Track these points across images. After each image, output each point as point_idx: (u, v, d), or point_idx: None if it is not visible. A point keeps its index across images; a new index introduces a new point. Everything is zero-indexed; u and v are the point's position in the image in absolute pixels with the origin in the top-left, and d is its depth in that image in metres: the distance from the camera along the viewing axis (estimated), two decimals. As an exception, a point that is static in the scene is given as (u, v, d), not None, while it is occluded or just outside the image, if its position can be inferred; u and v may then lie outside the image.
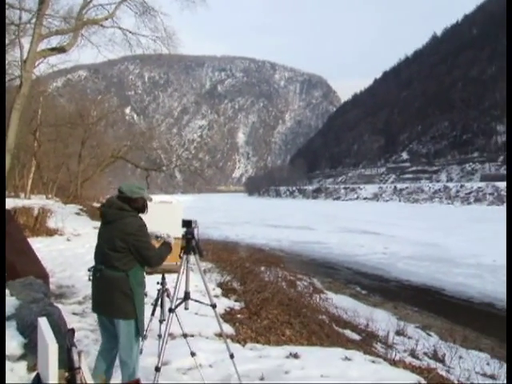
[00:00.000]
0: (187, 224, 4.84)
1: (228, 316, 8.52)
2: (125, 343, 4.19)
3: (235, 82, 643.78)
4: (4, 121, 18.27)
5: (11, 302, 6.24)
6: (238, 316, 8.66)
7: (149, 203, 4.50)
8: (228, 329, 7.45)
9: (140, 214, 4.40)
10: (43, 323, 2.59)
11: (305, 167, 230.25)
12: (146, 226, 4.28)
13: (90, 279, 4.31)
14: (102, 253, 4.22)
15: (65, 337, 2.97)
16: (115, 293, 4.13)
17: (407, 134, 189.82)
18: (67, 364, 2.59)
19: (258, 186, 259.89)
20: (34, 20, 22.89)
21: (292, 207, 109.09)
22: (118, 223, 4.18)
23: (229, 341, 5.65)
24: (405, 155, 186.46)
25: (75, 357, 2.54)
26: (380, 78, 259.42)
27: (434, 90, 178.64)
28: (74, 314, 7.40)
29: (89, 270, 4.29)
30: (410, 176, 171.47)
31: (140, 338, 4.39)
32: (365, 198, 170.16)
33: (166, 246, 4.50)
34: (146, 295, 4.46)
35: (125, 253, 4.12)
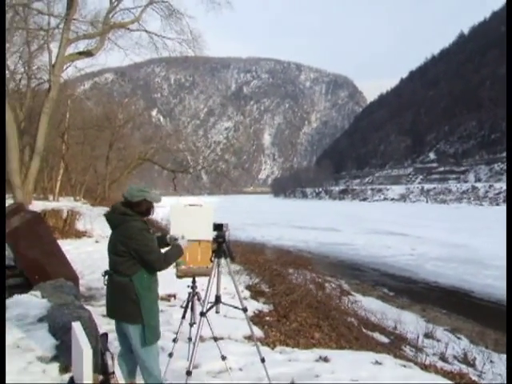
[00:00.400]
0: (218, 227, 4.82)
1: (257, 318, 8.50)
2: (137, 347, 4.16)
3: (261, 83, 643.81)
4: (4, 121, 18.44)
5: (43, 304, 6.30)
6: (267, 319, 8.64)
7: (179, 207, 4.48)
8: (257, 331, 7.43)
9: (151, 216, 4.45)
10: (77, 327, 2.61)
11: (331, 168, 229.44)
12: (147, 229, 4.25)
13: (105, 284, 4.35)
14: (110, 258, 4.27)
15: (97, 340, 2.99)
16: (122, 297, 4.17)
17: (434, 134, 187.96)
18: (101, 368, 2.60)
19: (283, 187, 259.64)
20: (62, 25, 23.14)
21: (318, 208, 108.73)
22: (121, 228, 4.19)
23: (258, 344, 5.63)
24: (432, 155, 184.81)
25: (109, 361, 2.55)
26: (406, 78, 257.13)
27: (462, 89, 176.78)
28: (103, 316, 7.41)
29: (103, 276, 4.33)
30: (437, 176, 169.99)
31: (157, 343, 4.35)
32: (392, 199, 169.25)
33: (175, 249, 4.43)
34: (159, 298, 4.46)
35: (127, 257, 4.12)
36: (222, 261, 4.86)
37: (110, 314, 4.34)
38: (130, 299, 4.11)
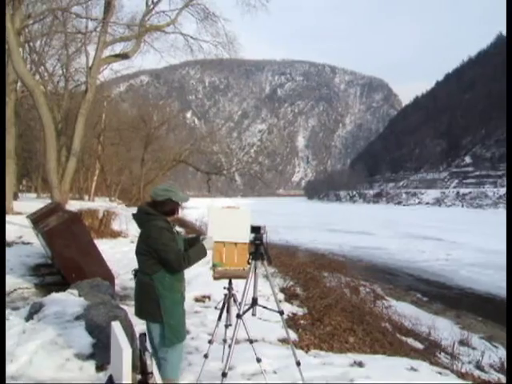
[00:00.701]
0: (256, 230, 4.81)
1: (291, 322, 8.48)
2: (158, 347, 4.22)
3: (295, 85, 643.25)
4: (4, 121, 18.72)
5: (80, 303, 6.38)
6: (301, 322, 8.62)
7: (217, 209, 4.48)
8: (291, 334, 7.40)
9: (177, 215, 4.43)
10: (116, 327, 2.63)
11: (365, 171, 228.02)
12: (169, 228, 4.21)
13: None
14: (136, 257, 4.30)
15: (132, 339, 3.02)
16: (144, 296, 4.20)
17: (470, 137, 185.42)
18: (140, 368, 2.61)
19: (317, 190, 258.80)
20: (99, 28, 23.46)
21: (352, 212, 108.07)
22: (144, 227, 4.22)
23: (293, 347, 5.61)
24: (468, 159, 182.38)
25: (148, 361, 2.56)
26: (442, 81, 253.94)
27: (499, 91, 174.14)
28: (138, 315, 7.49)
29: (132, 274, 4.37)
30: (473, 181, 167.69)
31: (181, 344, 4.32)
32: (426, 203, 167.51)
33: (198, 249, 4.35)
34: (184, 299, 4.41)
35: (148, 256, 4.13)
36: (259, 263, 4.84)
37: (136, 312, 4.37)
38: (151, 298, 4.13)
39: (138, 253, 4.24)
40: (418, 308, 16.76)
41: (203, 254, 4.34)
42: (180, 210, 4.49)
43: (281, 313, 4.99)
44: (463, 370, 8.13)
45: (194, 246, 4.42)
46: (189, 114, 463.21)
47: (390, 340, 9.42)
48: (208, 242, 4.45)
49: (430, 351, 10.03)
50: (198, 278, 10.26)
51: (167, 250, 4.07)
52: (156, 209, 4.24)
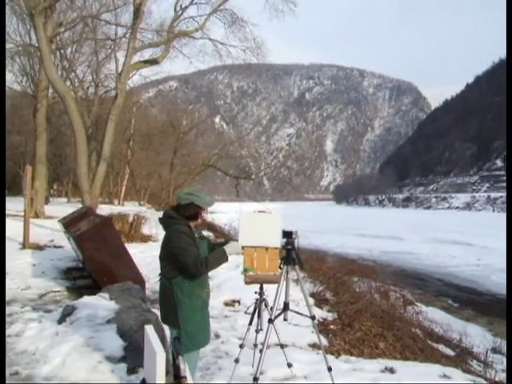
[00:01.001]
0: (288, 235, 4.76)
1: (321, 327, 8.43)
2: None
3: (323, 89, 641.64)
4: (4, 123, 18.87)
5: (111, 306, 6.44)
6: (331, 327, 8.57)
7: (248, 213, 4.45)
8: (322, 340, 7.39)
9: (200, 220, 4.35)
10: (150, 330, 2.66)
11: (394, 175, 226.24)
12: (188, 233, 4.11)
13: None
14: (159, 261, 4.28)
15: (164, 343, 3.04)
16: (164, 301, 4.19)
17: (502, 140, 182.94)
18: (173, 372, 2.63)
19: (346, 194, 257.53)
20: (128, 34, 23.72)
21: (381, 216, 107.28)
22: (166, 231, 4.21)
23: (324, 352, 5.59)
24: (499, 162, 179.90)
25: (181, 365, 2.58)
26: (472, 83, 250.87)
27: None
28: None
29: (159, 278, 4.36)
30: (504, 184, 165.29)
31: (197, 351, 4.27)
32: (456, 208, 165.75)
33: (217, 254, 4.21)
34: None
35: (167, 261, 4.11)
36: (290, 268, 4.82)
37: (161, 317, 4.37)
38: (169, 304, 4.11)
39: (160, 257, 4.22)
40: (449, 314, 16.54)
41: (223, 258, 4.20)
42: (204, 215, 4.36)
43: (312, 318, 4.98)
44: (497, 379, 7.98)
45: None
46: (217, 119, 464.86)
47: (420, 346, 9.31)
48: (232, 246, 4.29)
49: (462, 358, 9.88)
50: (227, 283, 10.27)
51: (185, 255, 4.00)
52: (179, 212, 4.21)
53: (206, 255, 4.13)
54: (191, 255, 4.00)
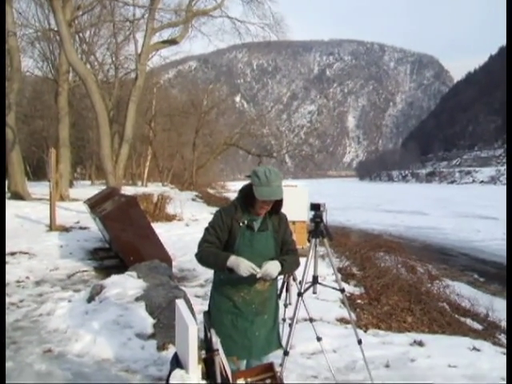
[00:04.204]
0: (316, 207, 4.66)
1: (348, 301, 8.37)
2: None
3: (344, 65, 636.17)
4: (4, 118, 18.98)
5: (139, 284, 6.50)
6: (359, 301, 8.56)
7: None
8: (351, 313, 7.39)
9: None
10: (181, 305, 2.65)
11: (417, 150, 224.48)
12: (220, 213, 3.46)
13: None
14: None
15: (194, 317, 3.04)
16: None
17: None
18: (205, 345, 2.63)
19: (369, 170, 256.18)
20: (146, 15, 23.64)
21: (405, 192, 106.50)
22: None
23: (351, 326, 5.58)
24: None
25: (214, 338, 2.57)
26: (496, 54, 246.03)
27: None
28: (196, 296, 7.54)
29: None
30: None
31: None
32: (481, 182, 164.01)
33: (219, 256, 3.31)
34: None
35: None
36: (319, 241, 4.76)
37: None
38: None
39: None
40: (475, 288, 16.37)
41: (218, 264, 3.30)
42: (259, 209, 3.45)
43: (342, 291, 4.96)
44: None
45: None
46: (238, 98, 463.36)
47: (448, 320, 9.26)
48: (238, 264, 3.20)
49: (490, 332, 9.80)
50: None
51: (203, 236, 3.46)
52: (241, 190, 3.59)
53: (216, 249, 3.41)
54: (203, 237, 3.45)
